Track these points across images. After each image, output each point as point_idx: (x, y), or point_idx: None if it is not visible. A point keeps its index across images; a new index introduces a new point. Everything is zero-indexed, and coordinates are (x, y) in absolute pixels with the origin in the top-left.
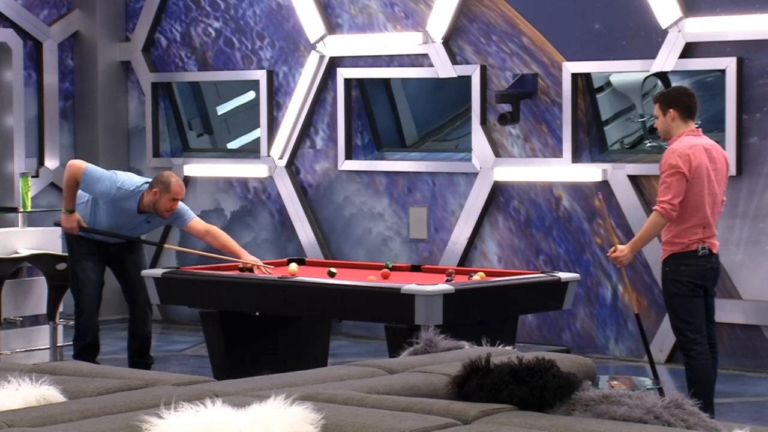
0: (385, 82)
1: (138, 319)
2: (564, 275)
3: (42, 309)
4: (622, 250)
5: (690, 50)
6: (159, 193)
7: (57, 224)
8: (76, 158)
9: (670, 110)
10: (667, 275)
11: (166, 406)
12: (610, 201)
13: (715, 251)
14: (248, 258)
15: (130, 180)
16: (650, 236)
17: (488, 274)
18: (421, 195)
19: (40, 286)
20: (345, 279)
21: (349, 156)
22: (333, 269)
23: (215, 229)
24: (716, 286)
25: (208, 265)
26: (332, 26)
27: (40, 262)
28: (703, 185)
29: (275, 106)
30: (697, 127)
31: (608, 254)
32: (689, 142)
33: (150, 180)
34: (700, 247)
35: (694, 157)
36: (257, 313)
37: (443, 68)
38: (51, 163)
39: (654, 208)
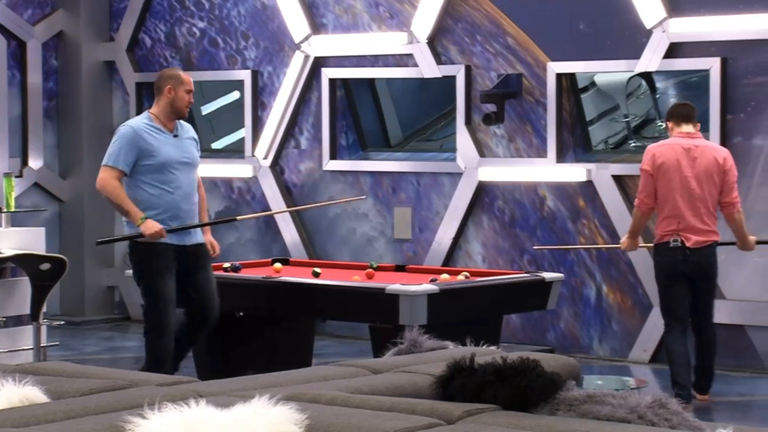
0: (370, 82)
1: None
2: (548, 275)
3: (25, 309)
4: (624, 241)
5: (674, 50)
6: (174, 89)
7: (137, 237)
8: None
9: (668, 123)
10: (654, 264)
11: (149, 407)
12: (595, 201)
13: (689, 245)
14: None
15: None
16: (635, 227)
17: (473, 274)
18: (406, 195)
19: (23, 287)
20: (329, 279)
21: (333, 156)
22: (317, 269)
23: (202, 189)
24: (711, 280)
25: None
26: (317, 26)
27: (24, 262)
28: (671, 180)
29: (260, 106)
30: (695, 131)
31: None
32: (665, 142)
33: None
34: (672, 240)
35: (660, 155)
36: (241, 314)
37: (428, 68)
38: (35, 163)
39: None
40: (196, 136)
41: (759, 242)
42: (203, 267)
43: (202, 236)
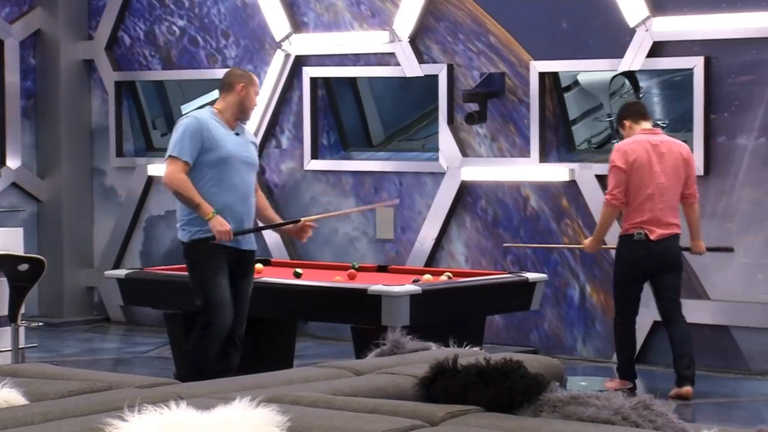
0: (352, 81)
1: (230, 355)
2: (531, 276)
3: (3, 311)
4: (587, 242)
5: (657, 49)
6: (246, 87)
7: (207, 240)
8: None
9: (625, 122)
10: (616, 253)
11: (129, 409)
12: (578, 201)
13: (652, 237)
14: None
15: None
16: (604, 225)
17: (455, 274)
18: (388, 195)
19: (1, 288)
20: (311, 280)
21: (315, 156)
22: (299, 270)
23: (260, 192)
24: (676, 271)
25: (171, 266)
26: (298, 25)
27: (2, 262)
28: (643, 175)
29: None
30: (655, 126)
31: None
32: (633, 139)
33: (192, 110)
34: (636, 233)
35: (632, 151)
36: None
37: (410, 67)
38: (12, 162)
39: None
40: (256, 141)
41: (709, 249)
42: (245, 276)
43: (254, 243)
